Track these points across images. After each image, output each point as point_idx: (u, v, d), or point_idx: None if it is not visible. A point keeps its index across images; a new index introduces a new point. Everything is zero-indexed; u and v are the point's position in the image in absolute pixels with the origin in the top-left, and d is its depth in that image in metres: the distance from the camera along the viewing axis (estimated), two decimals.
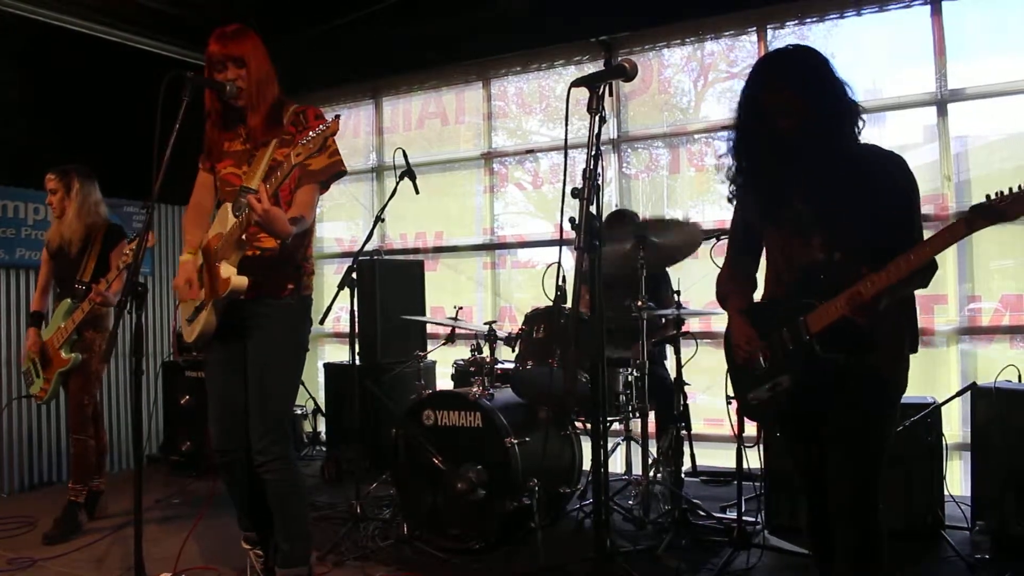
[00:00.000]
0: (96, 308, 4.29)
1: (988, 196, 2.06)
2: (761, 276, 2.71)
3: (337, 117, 2.71)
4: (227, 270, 2.92)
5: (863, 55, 5.14)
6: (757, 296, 2.71)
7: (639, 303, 4.05)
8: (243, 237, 2.89)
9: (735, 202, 2.69)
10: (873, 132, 2.46)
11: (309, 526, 3.22)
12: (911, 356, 2.45)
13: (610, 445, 4.55)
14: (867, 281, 2.20)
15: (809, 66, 2.41)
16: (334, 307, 4.49)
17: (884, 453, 2.36)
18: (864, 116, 2.42)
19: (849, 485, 2.34)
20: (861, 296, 2.20)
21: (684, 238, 4.18)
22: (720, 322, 4.16)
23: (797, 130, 2.37)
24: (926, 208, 4.77)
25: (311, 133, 2.69)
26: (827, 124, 2.35)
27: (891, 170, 2.37)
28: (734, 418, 3.65)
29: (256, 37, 3.06)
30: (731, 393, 2.78)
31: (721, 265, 2.80)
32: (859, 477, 2.34)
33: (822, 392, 2.39)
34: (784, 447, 2.71)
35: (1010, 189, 2.03)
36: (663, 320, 4.50)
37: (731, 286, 2.72)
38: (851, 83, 2.42)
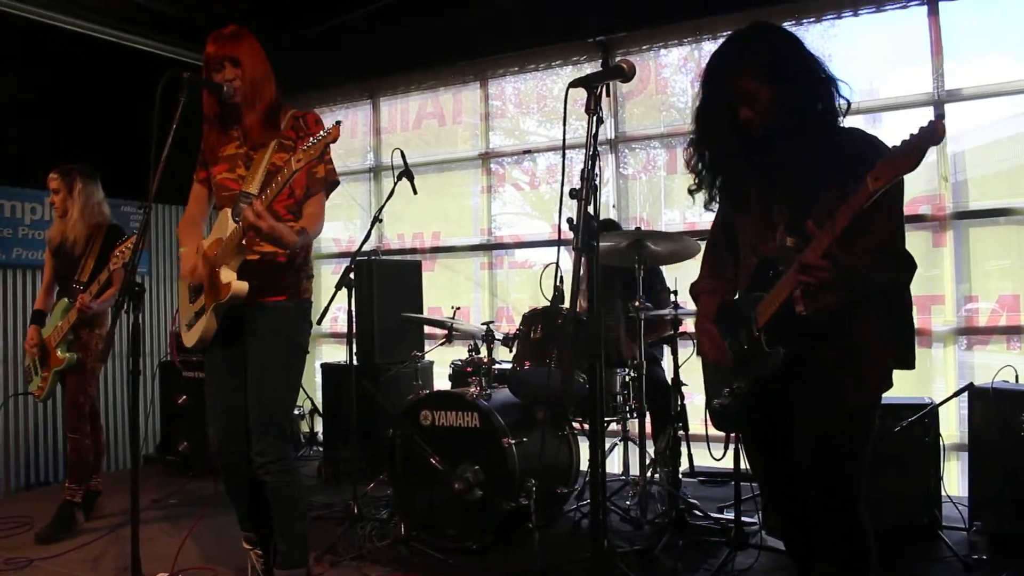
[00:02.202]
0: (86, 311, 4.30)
1: (893, 147, 1.92)
2: None
3: (338, 124, 2.69)
4: (227, 275, 2.91)
5: (860, 55, 5.14)
6: None
7: (635, 303, 4.06)
8: (243, 242, 2.89)
9: (716, 199, 2.53)
10: (870, 131, 2.37)
11: (308, 528, 3.22)
12: (906, 368, 2.30)
13: (607, 445, 4.55)
14: (813, 244, 2.01)
15: (773, 48, 2.25)
16: (331, 307, 4.49)
17: (857, 460, 2.22)
18: (847, 96, 2.24)
19: (828, 497, 2.23)
20: (805, 258, 2.02)
21: (680, 247, 4.19)
22: None
23: (761, 121, 2.23)
24: (923, 208, 4.79)
25: (311, 139, 2.68)
26: (794, 111, 2.18)
27: (869, 154, 2.10)
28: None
29: (252, 38, 3.06)
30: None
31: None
32: (838, 487, 2.22)
33: (779, 393, 2.28)
34: (749, 454, 2.61)
35: (907, 137, 1.91)
36: (662, 319, 4.50)
37: (704, 285, 2.62)
38: (839, 77, 2.25)
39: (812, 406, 2.24)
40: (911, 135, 1.90)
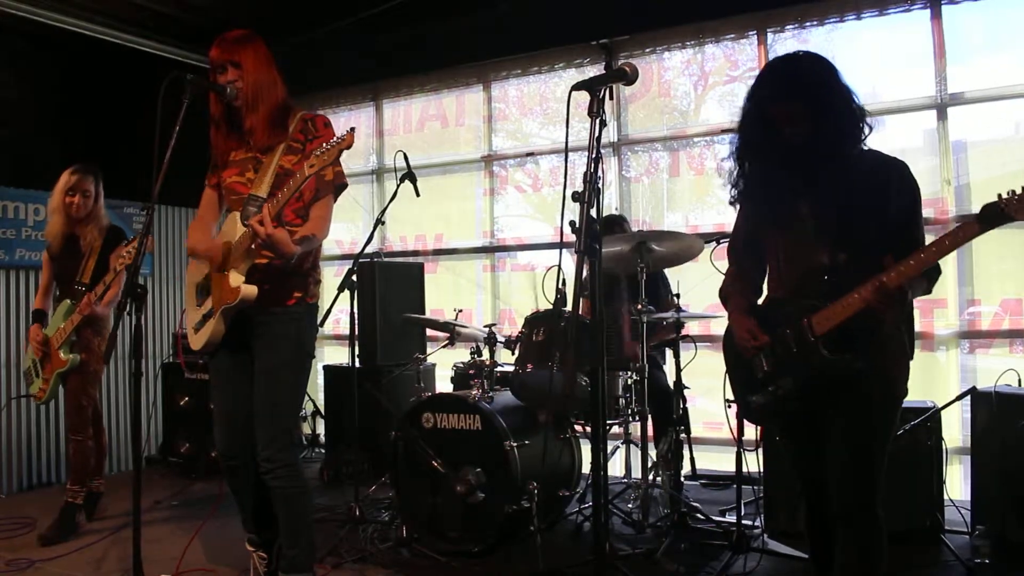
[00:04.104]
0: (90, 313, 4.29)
1: (1000, 195, 2.08)
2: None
3: (351, 131, 2.70)
4: (236, 279, 2.92)
5: (863, 59, 5.15)
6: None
7: (638, 306, 4.06)
8: (252, 247, 2.89)
9: (738, 206, 2.70)
10: (873, 136, 2.47)
11: (314, 533, 3.22)
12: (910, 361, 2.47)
13: (609, 448, 4.55)
14: (892, 271, 2.20)
15: (818, 77, 2.41)
16: (334, 309, 4.49)
17: (886, 454, 2.38)
18: (869, 121, 2.44)
19: (852, 485, 2.36)
20: (886, 285, 2.19)
21: (684, 246, 4.19)
22: (719, 325, 4.15)
23: (804, 139, 2.38)
24: (926, 212, 4.76)
25: (325, 145, 2.68)
26: (834, 134, 2.37)
27: (894, 176, 2.39)
28: (734, 421, 3.65)
29: (258, 41, 3.06)
30: (730, 396, 2.78)
31: (725, 270, 2.82)
32: (862, 477, 2.35)
33: (826, 394, 2.40)
34: (785, 450, 2.71)
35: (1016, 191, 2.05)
36: (664, 322, 4.49)
37: (735, 287, 2.73)
38: (853, 87, 2.43)
39: (851, 407, 2.37)
40: None
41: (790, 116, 2.39)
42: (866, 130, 2.42)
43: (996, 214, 2.08)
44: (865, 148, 2.45)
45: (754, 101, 2.50)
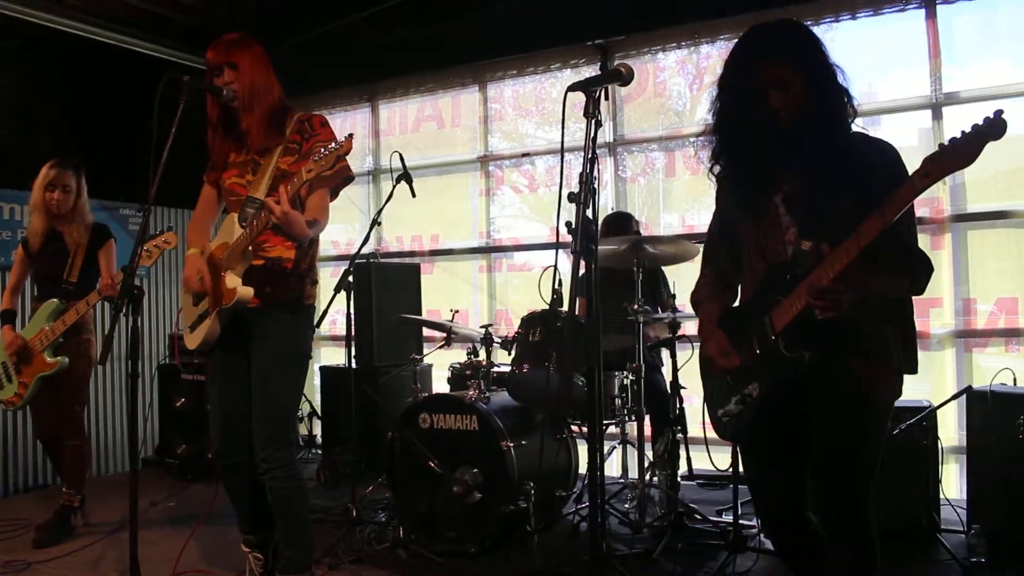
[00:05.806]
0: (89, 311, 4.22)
1: (941, 144, 1.87)
2: None
3: (350, 136, 2.71)
4: (232, 280, 2.93)
5: (858, 59, 5.14)
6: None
7: (635, 305, 4.06)
8: (249, 248, 2.90)
9: (714, 207, 2.56)
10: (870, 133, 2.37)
11: (311, 532, 3.23)
12: (910, 373, 2.27)
13: (606, 449, 4.55)
14: (825, 265, 2.02)
15: (805, 40, 2.22)
16: (330, 310, 4.49)
17: (871, 467, 2.20)
18: (856, 104, 2.24)
19: (832, 501, 2.22)
20: (817, 281, 2.03)
21: (679, 250, 4.20)
22: None
23: (791, 112, 2.18)
24: (921, 211, 4.78)
25: (323, 150, 2.69)
26: (823, 108, 2.17)
27: (878, 158, 2.18)
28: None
29: (254, 44, 3.08)
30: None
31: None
32: (842, 492, 2.20)
33: (795, 400, 2.24)
34: (748, 462, 2.56)
35: (962, 132, 1.84)
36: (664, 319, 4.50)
37: (706, 291, 2.57)
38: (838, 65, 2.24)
39: (834, 407, 2.20)
40: (971, 127, 1.82)
41: (775, 80, 2.18)
42: (852, 111, 2.22)
43: (942, 158, 1.85)
44: (852, 131, 2.25)
45: (735, 67, 2.29)
